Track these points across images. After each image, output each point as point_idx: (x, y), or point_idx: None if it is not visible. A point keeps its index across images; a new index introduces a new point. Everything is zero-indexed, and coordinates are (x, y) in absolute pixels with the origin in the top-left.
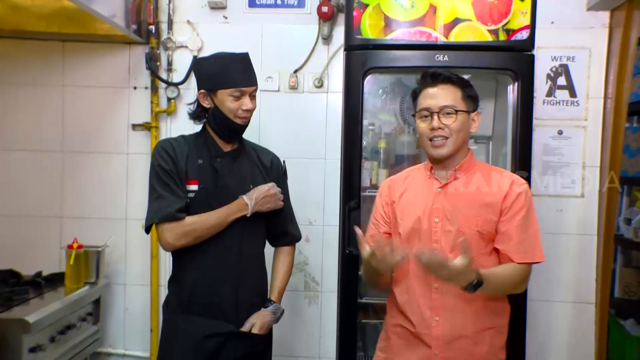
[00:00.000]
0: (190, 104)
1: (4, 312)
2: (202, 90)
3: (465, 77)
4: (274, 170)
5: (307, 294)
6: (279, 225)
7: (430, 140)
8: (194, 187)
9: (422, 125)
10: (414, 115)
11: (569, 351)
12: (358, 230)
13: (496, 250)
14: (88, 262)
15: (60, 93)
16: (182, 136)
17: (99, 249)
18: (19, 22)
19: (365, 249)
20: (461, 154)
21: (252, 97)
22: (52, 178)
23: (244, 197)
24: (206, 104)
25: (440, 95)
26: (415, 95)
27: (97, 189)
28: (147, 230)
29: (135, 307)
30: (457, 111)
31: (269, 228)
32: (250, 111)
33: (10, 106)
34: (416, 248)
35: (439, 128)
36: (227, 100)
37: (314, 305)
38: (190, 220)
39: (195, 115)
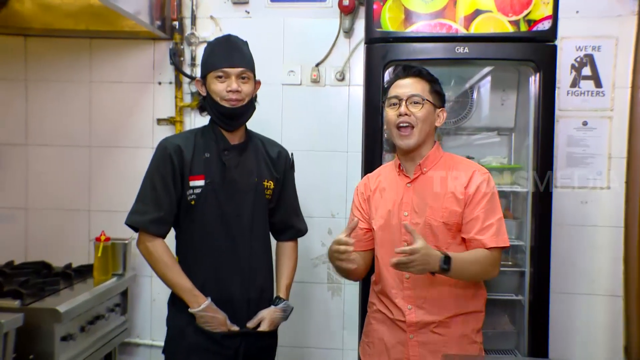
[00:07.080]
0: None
1: (37, 302)
2: (198, 79)
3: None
4: (281, 163)
5: (330, 286)
6: (284, 219)
7: (398, 128)
8: (200, 183)
9: (391, 113)
10: (383, 102)
11: (596, 345)
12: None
13: (464, 240)
14: (115, 254)
15: (88, 89)
16: (189, 131)
17: (126, 242)
18: (48, 20)
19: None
20: (427, 146)
21: (242, 79)
22: (80, 172)
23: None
24: (202, 91)
25: (409, 86)
26: (386, 87)
27: (124, 182)
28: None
29: (161, 299)
30: (424, 100)
31: (273, 222)
32: (236, 92)
33: (40, 102)
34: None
35: (406, 114)
36: (213, 83)
37: (336, 297)
38: (161, 249)
39: (199, 105)
